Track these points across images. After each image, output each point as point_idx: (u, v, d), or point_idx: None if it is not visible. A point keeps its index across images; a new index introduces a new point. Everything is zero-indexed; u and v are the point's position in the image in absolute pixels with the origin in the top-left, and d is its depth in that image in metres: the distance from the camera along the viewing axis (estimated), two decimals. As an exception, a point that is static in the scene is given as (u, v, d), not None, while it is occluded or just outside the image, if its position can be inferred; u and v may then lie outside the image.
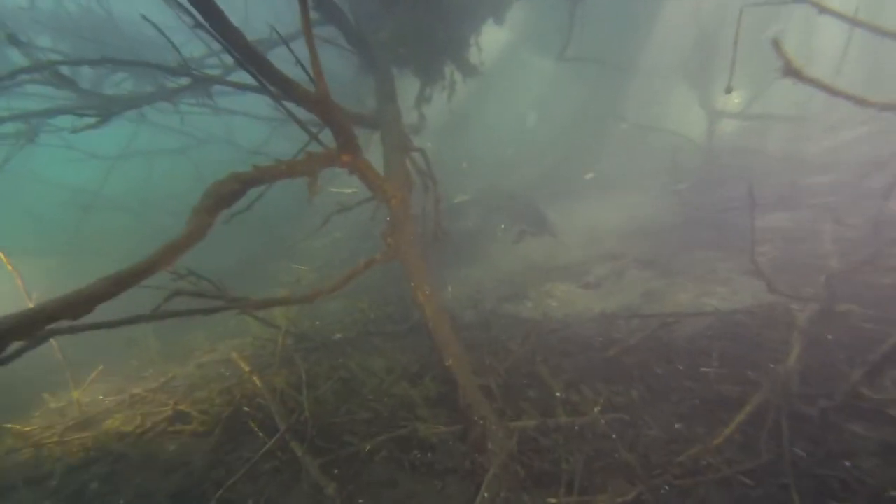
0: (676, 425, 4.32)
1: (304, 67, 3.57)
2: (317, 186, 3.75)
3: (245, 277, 13.89)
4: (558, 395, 4.74)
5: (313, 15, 8.92)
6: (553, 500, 3.57)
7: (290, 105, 3.76)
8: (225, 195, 3.24)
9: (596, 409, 4.44)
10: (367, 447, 4.48)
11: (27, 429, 6.20)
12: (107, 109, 6.30)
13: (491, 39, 13.68)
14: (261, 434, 5.21)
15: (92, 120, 6.52)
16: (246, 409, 5.68)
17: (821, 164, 11.30)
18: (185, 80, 6.47)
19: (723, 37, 12.46)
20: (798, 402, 3.99)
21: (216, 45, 6.97)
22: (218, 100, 9.91)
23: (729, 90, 5.06)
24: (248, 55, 3.27)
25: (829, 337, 5.08)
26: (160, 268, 2.88)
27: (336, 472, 4.41)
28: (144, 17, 5.28)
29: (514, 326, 7.55)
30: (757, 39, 16.95)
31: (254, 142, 15.08)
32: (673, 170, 10.73)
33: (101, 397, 7.31)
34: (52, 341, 6.38)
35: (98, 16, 11.12)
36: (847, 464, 3.48)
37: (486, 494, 3.41)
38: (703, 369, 5.01)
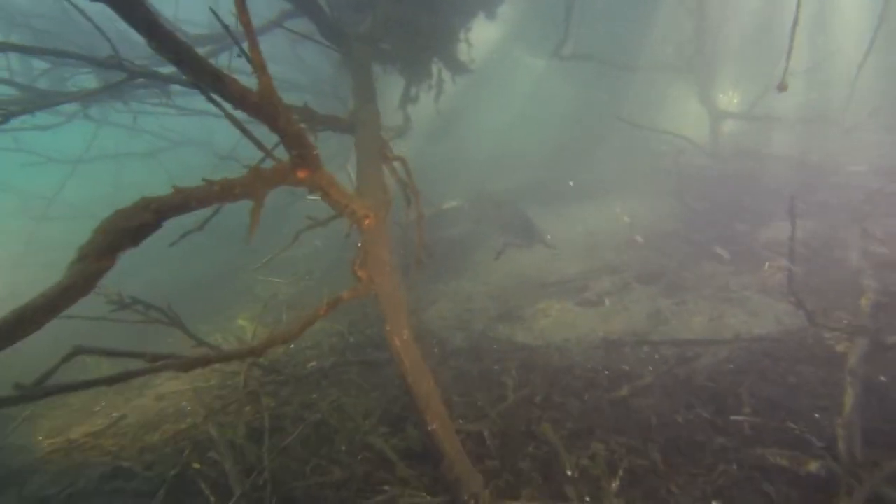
0: None
1: (245, 55, 2.76)
2: (258, 213, 2.92)
3: (220, 290, 13.01)
4: (569, 472, 3.89)
5: (284, 5, 8.07)
6: None
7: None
8: (129, 230, 2.41)
9: (614, 485, 3.64)
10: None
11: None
12: (35, 104, 5.41)
13: (482, 37, 12.92)
14: (212, 500, 4.38)
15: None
16: (196, 465, 4.82)
17: (838, 169, 10.60)
18: (131, 76, 5.58)
19: (727, 31, 11.74)
20: (873, 478, 3.22)
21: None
22: (187, 99, 9.01)
23: (783, 87, 4.28)
24: (163, 40, 2.45)
25: (882, 378, 4.34)
26: (16, 337, 2.04)
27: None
28: (70, 2, 4.42)
29: (509, 354, 6.76)
30: (763, 37, 16.40)
31: (235, 144, 14.20)
32: (677, 174, 10.01)
33: (40, 438, 6.41)
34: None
35: (51, 8, 10.19)
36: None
37: None
38: (733, 417, 4.24)
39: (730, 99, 17.09)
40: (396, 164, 5.05)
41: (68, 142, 13.08)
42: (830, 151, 10.63)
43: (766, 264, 7.76)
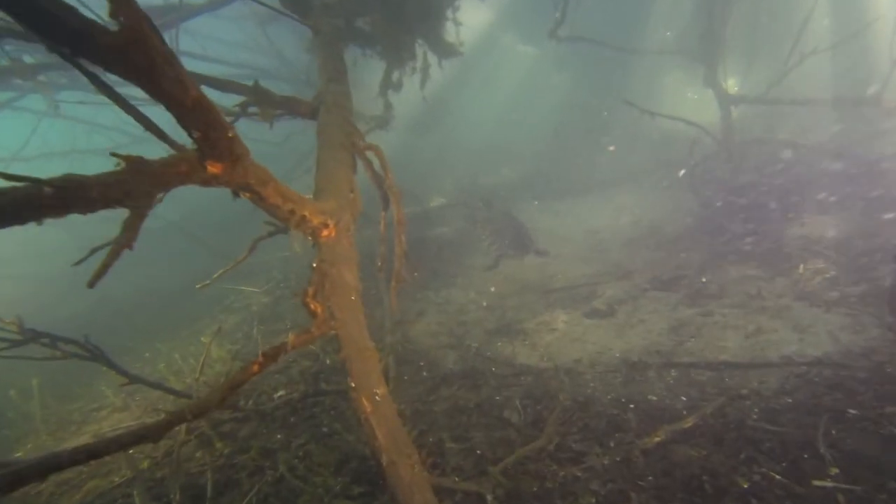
0: None
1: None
2: (138, 226, 1.86)
3: (190, 300, 11.86)
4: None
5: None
6: None
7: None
8: None
9: None
10: None
11: None
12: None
13: (470, 23, 11.85)
14: None
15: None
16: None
17: (869, 157, 9.61)
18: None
19: (735, 5, 10.73)
20: None
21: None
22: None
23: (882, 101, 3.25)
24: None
25: None
26: None
27: None
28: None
29: (511, 379, 5.73)
30: (780, 15, 15.43)
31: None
32: (692, 165, 9.01)
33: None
34: None
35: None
36: None
37: None
38: (817, 483, 3.22)
39: (730, 85, 16.11)
40: (370, 154, 3.97)
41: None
42: (865, 135, 9.66)
43: (802, 266, 6.79)
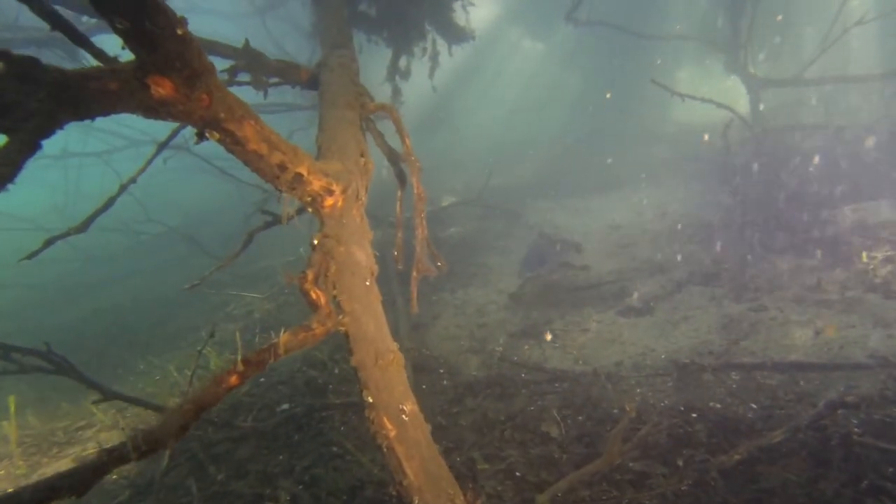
0: None
1: None
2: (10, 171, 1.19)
3: (190, 309, 11.22)
4: None
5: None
6: None
7: None
8: None
9: None
10: None
11: None
12: None
13: (477, 18, 11.25)
14: None
15: None
16: None
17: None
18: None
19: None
20: None
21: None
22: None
23: None
24: None
25: None
26: None
27: None
28: None
29: (545, 387, 5.02)
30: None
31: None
32: (724, 153, 8.29)
33: None
34: None
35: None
36: None
37: None
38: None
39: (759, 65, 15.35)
40: (380, 122, 3.30)
41: None
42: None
43: (865, 254, 6.05)
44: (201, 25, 15.25)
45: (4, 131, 1.18)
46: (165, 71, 1.40)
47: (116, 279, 14.71)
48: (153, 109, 1.47)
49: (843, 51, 10.19)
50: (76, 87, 1.30)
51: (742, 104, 11.80)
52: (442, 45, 9.27)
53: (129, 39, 1.33)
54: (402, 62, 8.65)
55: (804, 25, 14.44)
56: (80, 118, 1.36)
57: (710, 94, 10.61)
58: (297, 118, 11.00)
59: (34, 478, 5.21)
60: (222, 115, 1.60)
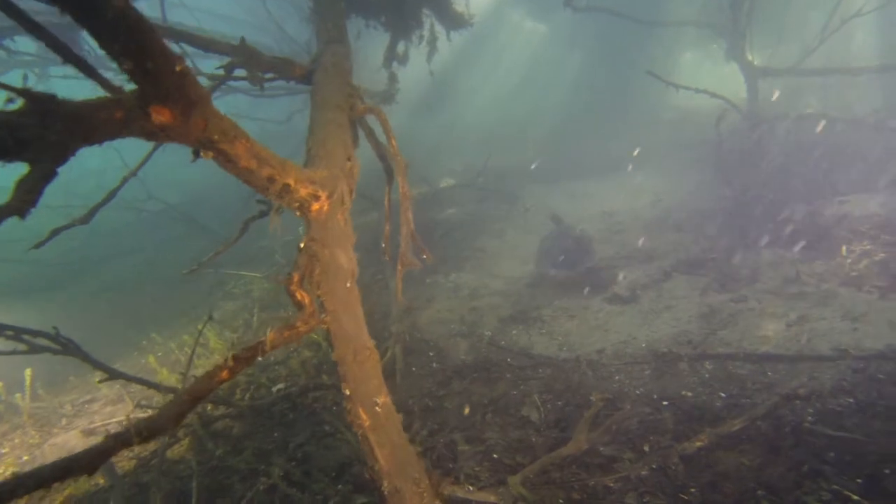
0: None
1: None
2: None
3: (190, 286, 11.44)
4: None
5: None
6: None
7: None
8: None
9: None
10: None
11: None
12: None
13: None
14: None
15: None
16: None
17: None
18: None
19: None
20: None
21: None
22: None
23: None
24: None
25: None
26: None
27: None
28: None
29: (528, 371, 5.26)
30: None
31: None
32: (718, 143, 8.40)
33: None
34: None
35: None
36: None
37: None
38: (898, 504, 2.73)
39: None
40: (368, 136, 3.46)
41: None
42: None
43: (844, 248, 6.23)
44: (203, 3, 15.17)
45: (28, 162, 1.37)
46: (165, 101, 1.57)
47: (120, 255, 14.94)
48: (154, 134, 1.65)
49: (845, 41, 10.18)
50: (88, 117, 1.48)
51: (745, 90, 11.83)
52: (441, 31, 9.31)
53: (134, 75, 1.50)
54: (400, 48, 8.71)
55: (807, 10, 14.34)
56: (90, 144, 1.54)
57: (714, 78, 10.61)
58: (295, 101, 11.09)
59: (46, 447, 5.49)
60: (216, 136, 1.78)
